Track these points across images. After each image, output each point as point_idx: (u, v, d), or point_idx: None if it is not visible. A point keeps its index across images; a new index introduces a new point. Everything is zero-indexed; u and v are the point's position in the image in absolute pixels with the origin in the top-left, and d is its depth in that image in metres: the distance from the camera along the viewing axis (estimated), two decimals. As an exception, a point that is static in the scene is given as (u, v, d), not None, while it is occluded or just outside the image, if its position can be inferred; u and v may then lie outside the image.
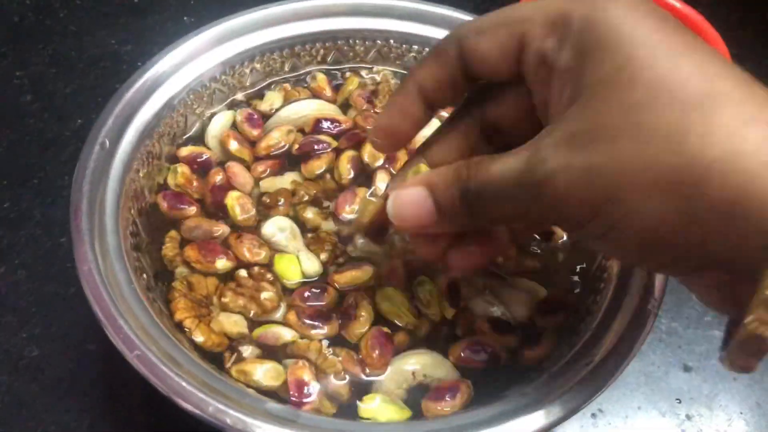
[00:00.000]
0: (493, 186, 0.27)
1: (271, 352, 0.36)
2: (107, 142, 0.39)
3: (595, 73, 0.25)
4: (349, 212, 0.42)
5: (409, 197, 0.30)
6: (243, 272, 0.38)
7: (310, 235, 0.41)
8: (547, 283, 0.40)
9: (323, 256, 0.39)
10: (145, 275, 0.38)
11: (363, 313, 0.37)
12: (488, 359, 0.36)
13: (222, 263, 0.38)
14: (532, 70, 0.29)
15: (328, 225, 0.41)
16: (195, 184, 0.42)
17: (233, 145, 0.43)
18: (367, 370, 0.36)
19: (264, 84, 0.48)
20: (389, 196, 0.31)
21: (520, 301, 0.39)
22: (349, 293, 0.38)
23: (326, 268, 0.39)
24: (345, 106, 0.48)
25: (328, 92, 0.48)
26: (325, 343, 0.36)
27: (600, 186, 0.24)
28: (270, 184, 0.43)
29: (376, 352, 0.36)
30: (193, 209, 0.41)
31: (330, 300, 0.38)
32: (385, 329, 0.37)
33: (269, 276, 0.38)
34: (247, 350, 0.36)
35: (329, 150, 0.44)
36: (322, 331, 0.37)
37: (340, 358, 0.36)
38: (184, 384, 0.30)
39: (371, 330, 0.37)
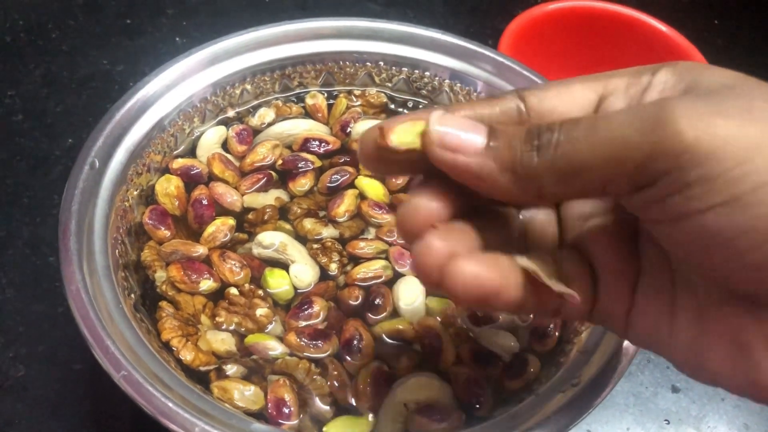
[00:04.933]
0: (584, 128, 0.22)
1: (258, 366, 0.36)
2: (97, 162, 0.39)
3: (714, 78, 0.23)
4: (342, 212, 0.42)
5: (461, 123, 0.24)
6: (234, 290, 0.38)
7: (315, 245, 0.41)
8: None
9: (333, 266, 0.40)
10: (132, 295, 0.37)
11: (366, 346, 0.37)
12: (483, 401, 0.36)
13: (207, 284, 0.38)
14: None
15: (330, 231, 0.41)
16: (184, 196, 0.42)
17: (218, 167, 0.43)
18: (357, 402, 0.35)
19: (255, 103, 0.48)
20: (431, 116, 0.24)
21: (506, 336, 0.38)
22: (349, 324, 0.37)
23: (336, 277, 0.40)
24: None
25: (324, 113, 0.48)
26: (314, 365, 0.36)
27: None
28: (254, 200, 0.43)
29: (371, 389, 0.35)
30: (167, 233, 0.41)
31: (320, 309, 0.38)
32: (385, 367, 0.36)
33: (260, 292, 0.38)
34: (231, 369, 0.36)
35: (312, 168, 0.45)
36: (322, 349, 0.36)
37: (327, 382, 0.35)
38: (170, 404, 0.30)
39: (373, 366, 0.36)
